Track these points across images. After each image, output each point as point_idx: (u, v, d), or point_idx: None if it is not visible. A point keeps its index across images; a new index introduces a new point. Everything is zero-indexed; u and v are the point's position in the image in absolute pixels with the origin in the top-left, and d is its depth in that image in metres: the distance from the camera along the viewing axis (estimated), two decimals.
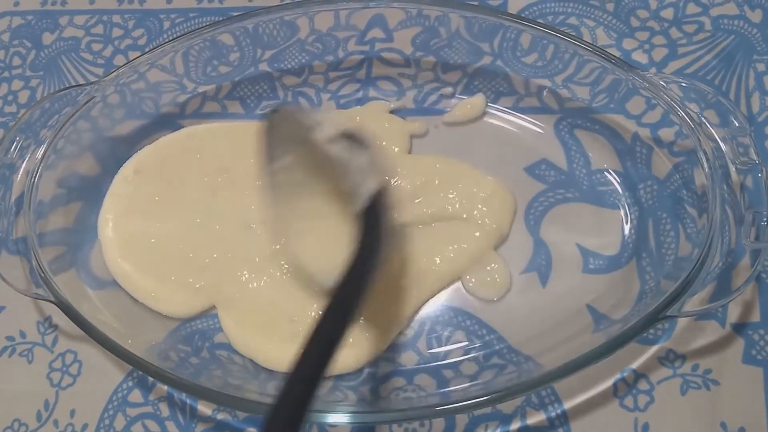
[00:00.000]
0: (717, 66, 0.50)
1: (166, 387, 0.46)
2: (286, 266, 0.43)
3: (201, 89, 0.53)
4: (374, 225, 0.35)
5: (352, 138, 0.37)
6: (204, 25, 0.50)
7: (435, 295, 0.46)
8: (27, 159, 0.46)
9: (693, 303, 0.41)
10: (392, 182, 0.48)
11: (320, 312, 0.32)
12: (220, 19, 0.49)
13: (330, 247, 0.40)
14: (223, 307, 0.46)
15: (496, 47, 0.50)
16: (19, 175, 0.46)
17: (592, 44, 0.46)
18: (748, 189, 0.42)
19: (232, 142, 0.51)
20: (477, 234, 0.46)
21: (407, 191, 0.47)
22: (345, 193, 0.40)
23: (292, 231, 0.42)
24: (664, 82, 0.44)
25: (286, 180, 0.42)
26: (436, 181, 0.48)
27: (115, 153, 0.51)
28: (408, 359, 0.45)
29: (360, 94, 0.52)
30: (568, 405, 0.43)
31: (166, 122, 0.52)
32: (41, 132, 0.47)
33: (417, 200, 0.47)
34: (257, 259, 0.47)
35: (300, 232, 0.42)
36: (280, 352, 0.44)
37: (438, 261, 0.46)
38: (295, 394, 0.30)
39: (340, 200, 0.41)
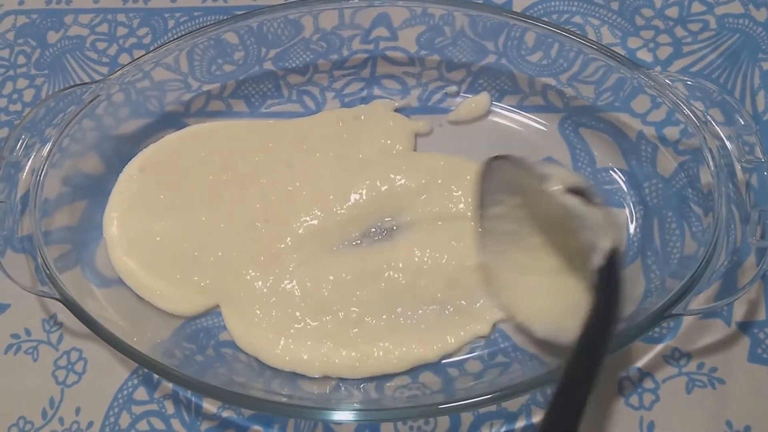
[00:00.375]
0: (722, 64, 0.50)
1: (171, 384, 0.46)
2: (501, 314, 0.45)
3: (206, 88, 0.53)
4: (612, 284, 0.36)
5: (583, 193, 0.38)
6: (208, 23, 0.50)
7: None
8: (32, 157, 0.46)
9: (698, 301, 0.42)
10: (396, 180, 0.48)
11: (561, 379, 0.33)
12: (225, 17, 0.49)
13: (550, 300, 0.42)
14: (228, 306, 0.46)
15: (501, 46, 0.50)
16: (25, 173, 0.46)
17: (596, 42, 0.46)
18: (754, 187, 0.42)
19: (236, 140, 0.51)
20: None
21: (411, 189, 0.48)
22: (572, 247, 0.41)
23: (505, 281, 0.44)
24: (670, 80, 0.44)
25: (500, 227, 0.43)
26: (440, 180, 0.48)
27: (120, 151, 0.51)
28: None
29: (364, 93, 0.52)
30: None
31: (171, 121, 0.52)
32: (46, 130, 0.47)
33: (421, 198, 0.47)
34: (262, 258, 0.47)
35: (514, 283, 0.43)
36: (285, 350, 0.44)
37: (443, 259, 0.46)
38: None
39: (564, 254, 0.42)
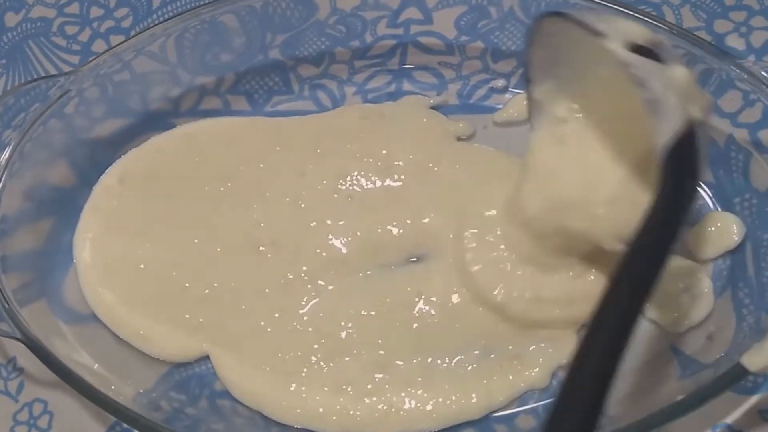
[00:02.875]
0: None
1: None
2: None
3: (199, 81, 0.53)
4: (686, 167, 0.34)
5: (653, 51, 0.35)
6: (202, 3, 0.50)
7: None
8: None
9: None
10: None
11: (611, 281, 0.31)
12: None
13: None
14: (222, 349, 0.46)
15: None
16: None
17: (676, 26, 0.45)
18: None
19: (236, 144, 0.51)
20: None
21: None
22: (636, 126, 0.38)
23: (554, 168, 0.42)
24: (766, 72, 0.43)
25: (551, 107, 0.42)
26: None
27: (95, 158, 0.51)
28: None
29: (392, 88, 0.53)
30: None
31: (157, 121, 0.52)
32: (4, 133, 0.46)
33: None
34: (267, 290, 0.47)
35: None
36: (295, 400, 0.44)
37: None
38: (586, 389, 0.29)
39: (629, 135, 0.40)
